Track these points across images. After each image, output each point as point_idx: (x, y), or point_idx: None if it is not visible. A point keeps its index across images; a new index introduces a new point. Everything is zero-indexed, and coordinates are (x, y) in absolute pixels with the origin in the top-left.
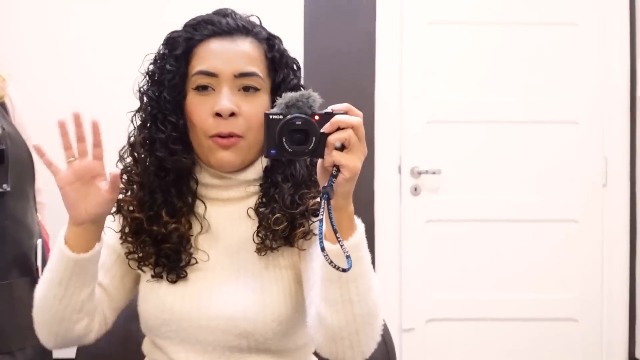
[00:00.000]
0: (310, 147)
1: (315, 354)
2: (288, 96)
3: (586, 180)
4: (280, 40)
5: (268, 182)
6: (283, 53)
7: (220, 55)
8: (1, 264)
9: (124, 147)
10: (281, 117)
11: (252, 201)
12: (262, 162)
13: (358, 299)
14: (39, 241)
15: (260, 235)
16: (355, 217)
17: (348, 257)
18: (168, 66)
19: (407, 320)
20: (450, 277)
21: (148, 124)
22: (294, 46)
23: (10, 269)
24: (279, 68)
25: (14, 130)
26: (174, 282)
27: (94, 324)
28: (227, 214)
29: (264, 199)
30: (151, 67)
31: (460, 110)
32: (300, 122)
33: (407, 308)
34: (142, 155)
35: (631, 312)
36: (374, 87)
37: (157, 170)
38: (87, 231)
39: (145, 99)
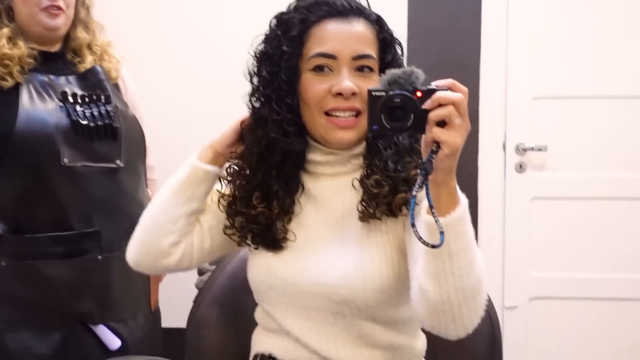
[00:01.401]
0: (408, 124)
1: (422, 330)
2: (390, 73)
3: None
4: (385, 21)
5: (371, 151)
6: (392, 34)
7: (338, 37)
8: (115, 235)
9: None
10: (383, 94)
11: (358, 174)
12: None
13: (460, 272)
14: None
15: (363, 203)
16: (460, 193)
17: (441, 233)
18: (285, 47)
19: (510, 298)
20: (555, 256)
21: (260, 105)
22: (398, 22)
23: (123, 241)
24: (388, 49)
25: (126, 109)
26: (275, 252)
27: (180, 247)
28: (332, 187)
29: (368, 171)
30: (262, 48)
31: (568, 85)
32: (399, 100)
33: (510, 286)
34: (252, 136)
35: None
36: (479, 62)
37: (263, 151)
38: (218, 158)
39: (256, 80)
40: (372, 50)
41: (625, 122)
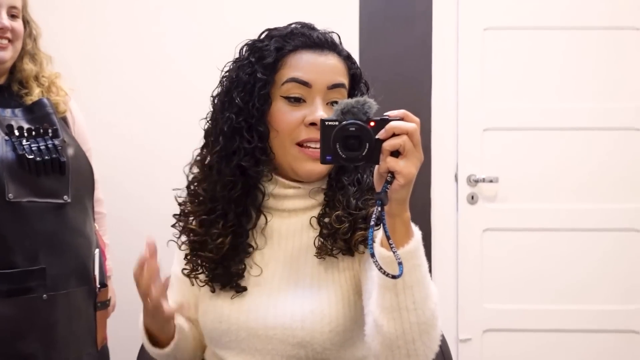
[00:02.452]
0: (363, 153)
1: None
2: (344, 103)
3: None
4: (354, 59)
5: (334, 186)
6: (361, 71)
7: (313, 67)
8: (61, 273)
9: (195, 158)
10: (337, 123)
11: (316, 212)
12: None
13: (414, 306)
14: (97, 251)
15: (321, 239)
16: (413, 225)
17: (400, 264)
18: (259, 75)
19: (464, 330)
20: (508, 287)
21: (227, 133)
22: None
23: (69, 278)
24: (357, 85)
25: (74, 143)
26: (233, 296)
27: (197, 352)
28: (289, 225)
29: (327, 209)
30: (233, 75)
31: (518, 117)
32: (353, 129)
33: (463, 318)
34: (217, 166)
35: None
36: (430, 94)
37: (227, 182)
38: (164, 327)
39: (223, 106)
40: (345, 81)
41: (576, 153)
